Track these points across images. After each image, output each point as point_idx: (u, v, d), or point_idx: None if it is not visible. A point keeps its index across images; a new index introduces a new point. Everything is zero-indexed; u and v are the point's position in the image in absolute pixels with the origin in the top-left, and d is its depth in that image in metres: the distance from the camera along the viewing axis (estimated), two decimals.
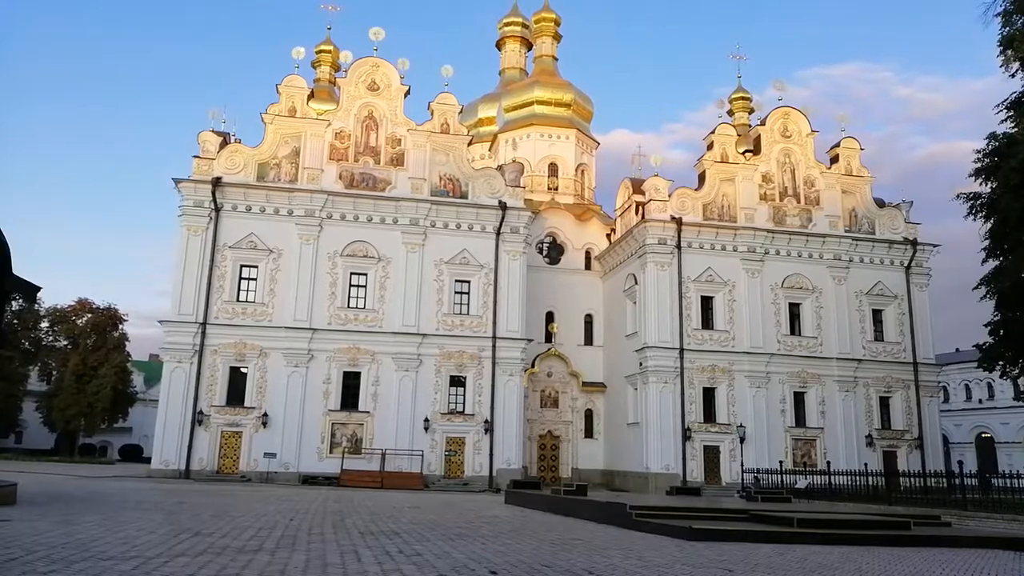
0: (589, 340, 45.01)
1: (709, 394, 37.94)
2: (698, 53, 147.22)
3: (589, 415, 43.66)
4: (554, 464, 42.27)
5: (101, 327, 57.27)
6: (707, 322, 38.77)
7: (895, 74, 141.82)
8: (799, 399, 38.83)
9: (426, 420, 35.30)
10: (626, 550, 10.07)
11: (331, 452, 34.39)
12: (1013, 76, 26.46)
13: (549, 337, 43.61)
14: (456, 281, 37.15)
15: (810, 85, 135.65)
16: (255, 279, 35.73)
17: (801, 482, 31.09)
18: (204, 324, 34.36)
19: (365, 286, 36.48)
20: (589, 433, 43.35)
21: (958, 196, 28.83)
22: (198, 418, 33.65)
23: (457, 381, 36.30)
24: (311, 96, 39.93)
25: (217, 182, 35.54)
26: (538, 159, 50.91)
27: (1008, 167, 25.83)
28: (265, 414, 34.24)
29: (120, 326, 58.95)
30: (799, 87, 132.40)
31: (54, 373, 59.74)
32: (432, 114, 38.99)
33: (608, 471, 41.71)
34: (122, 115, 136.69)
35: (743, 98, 52.19)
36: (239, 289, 35.58)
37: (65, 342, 58.61)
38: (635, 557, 9.31)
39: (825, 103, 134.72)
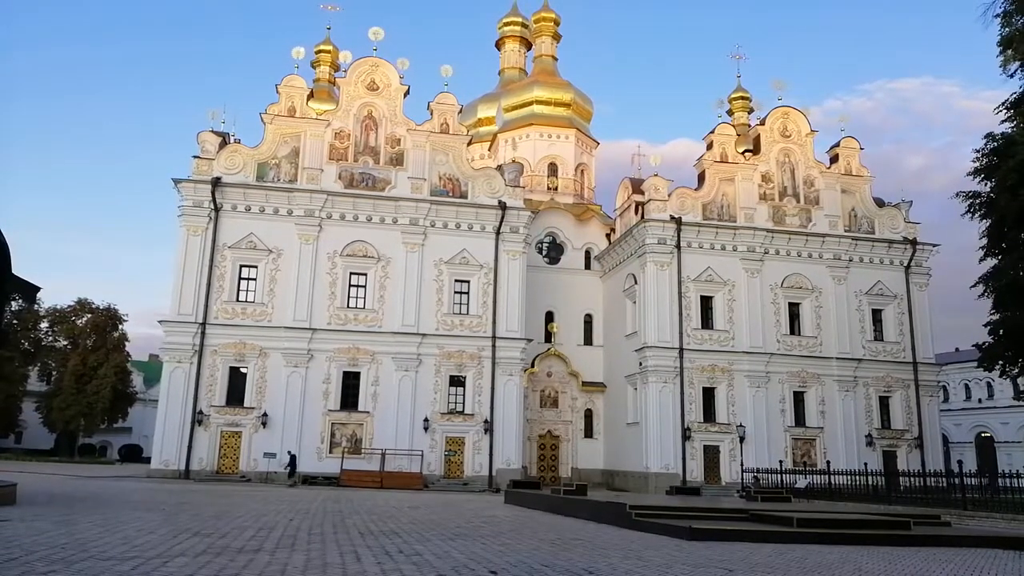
0: (589, 340, 45.00)
1: (709, 394, 37.95)
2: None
3: (589, 415, 43.65)
4: (554, 464, 42.27)
5: (101, 327, 57.30)
6: (707, 322, 38.77)
7: (960, 88, 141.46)
8: (799, 399, 38.84)
9: (426, 420, 35.30)
10: (626, 550, 10.07)
11: (331, 452, 34.39)
12: (1012, 76, 26.52)
13: (549, 337, 43.61)
14: (456, 281, 37.15)
15: (873, 97, 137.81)
16: (255, 279, 35.73)
17: (801, 482, 31.11)
18: (204, 324, 34.36)
19: (365, 286, 36.48)
20: (589, 433, 43.35)
21: (957, 195, 28.90)
22: (198, 418, 33.65)
23: (457, 381, 36.30)
24: (311, 96, 39.95)
25: (217, 182, 35.55)
26: (538, 159, 50.91)
27: (1006, 167, 25.87)
28: (265, 414, 34.24)
29: (120, 326, 59.00)
30: (861, 98, 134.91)
31: (54, 373, 59.71)
32: (432, 114, 38.99)
33: (608, 471, 41.71)
34: (122, 115, 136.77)
35: (743, 98, 52.19)
36: (239, 289, 35.59)
37: (65, 342, 58.62)
38: (635, 557, 9.31)
39: (887, 115, 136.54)
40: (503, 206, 37.54)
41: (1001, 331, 28.28)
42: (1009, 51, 25.62)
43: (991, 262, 28.51)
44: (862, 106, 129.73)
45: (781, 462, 34.15)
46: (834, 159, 42.50)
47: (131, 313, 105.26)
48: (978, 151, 27.75)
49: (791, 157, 41.55)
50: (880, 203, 42.57)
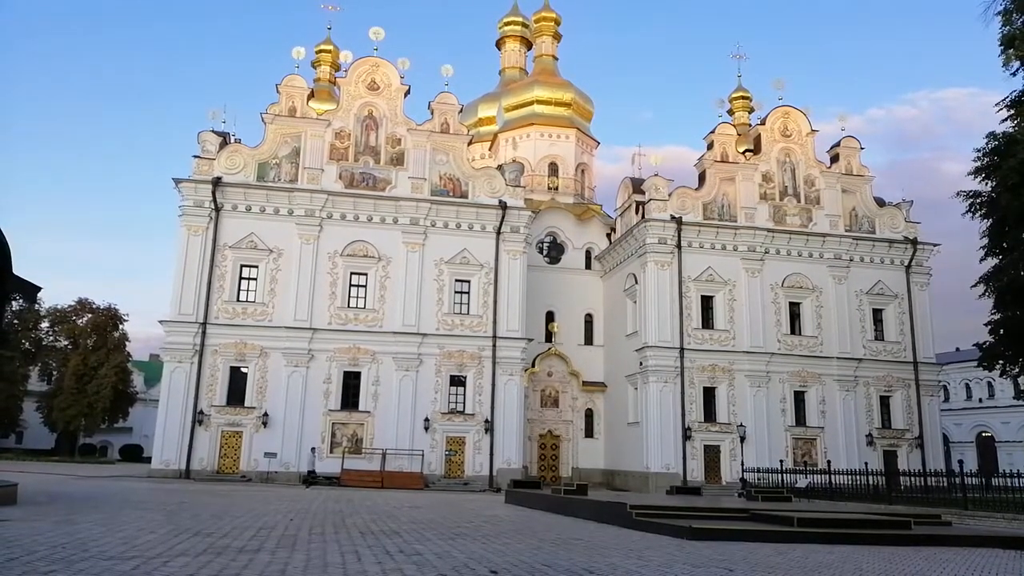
0: (589, 340, 44.99)
1: (709, 393, 37.93)
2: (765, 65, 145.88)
3: (589, 415, 43.64)
4: (554, 464, 42.26)
5: (101, 327, 57.31)
6: (707, 321, 38.75)
7: (1002, 97, 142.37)
8: (799, 398, 38.81)
9: (426, 420, 35.30)
10: (626, 550, 10.06)
11: (332, 452, 34.38)
12: (1014, 75, 26.49)
13: (549, 337, 43.59)
14: (456, 281, 37.14)
15: (917, 106, 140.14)
16: (255, 279, 35.73)
17: (801, 481, 31.11)
18: (204, 324, 34.35)
19: (365, 286, 36.47)
20: (589, 433, 43.33)
21: (958, 194, 28.91)
22: (198, 418, 33.65)
23: (457, 381, 36.28)
24: (311, 96, 39.92)
25: (217, 182, 35.54)
26: (538, 158, 50.90)
27: (1007, 166, 25.87)
28: (265, 414, 34.24)
29: (120, 326, 59.01)
30: (904, 107, 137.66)
31: (54, 373, 59.74)
32: (432, 114, 38.98)
33: (608, 471, 41.70)
34: (122, 114, 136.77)
35: (743, 97, 52.13)
36: (239, 289, 35.58)
37: (65, 342, 58.61)
38: (635, 557, 9.30)
39: (929, 123, 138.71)
40: (503, 206, 37.53)
41: (1002, 330, 28.29)
42: (1010, 50, 25.60)
43: (992, 261, 28.51)
44: (905, 114, 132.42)
45: (782, 462, 34.13)
46: (834, 159, 42.44)
47: (131, 313, 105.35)
48: (979, 150, 27.78)
49: (792, 157, 41.52)
50: (880, 202, 42.55)
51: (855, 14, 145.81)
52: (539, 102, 52.42)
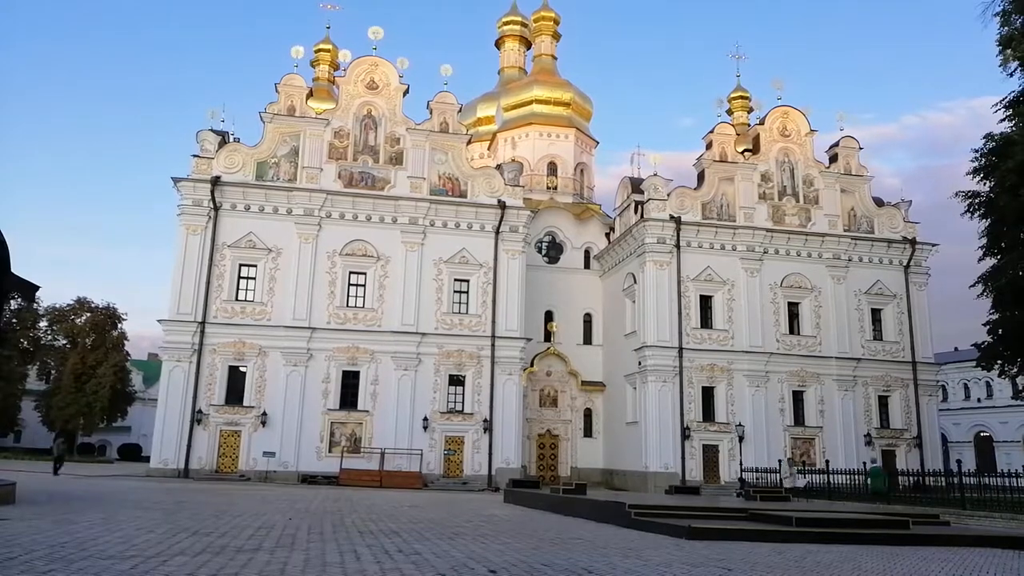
0: (588, 339, 44.99)
1: (708, 393, 37.95)
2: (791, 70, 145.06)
3: (588, 414, 43.65)
4: (553, 463, 42.27)
5: (100, 326, 57.23)
6: (706, 321, 38.77)
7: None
8: (798, 398, 38.85)
9: (425, 419, 35.30)
10: (625, 549, 10.07)
11: (330, 451, 34.38)
12: (1011, 76, 26.51)
13: (548, 336, 43.60)
14: (455, 280, 37.15)
15: (954, 113, 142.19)
16: (254, 278, 35.72)
17: (800, 481, 31.14)
18: (203, 323, 34.35)
19: (364, 285, 36.48)
20: (588, 432, 43.34)
21: (956, 195, 28.94)
22: (197, 417, 33.64)
23: (456, 380, 36.29)
24: (310, 95, 39.93)
25: (216, 181, 35.53)
26: (537, 158, 50.90)
27: (1005, 167, 25.90)
28: (264, 413, 34.23)
29: (119, 325, 58.93)
30: (940, 114, 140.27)
31: (53, 372, 59.71)
32: (431, 113, 38.97)
33: (607, 470, 41.72)
34: (121, 114, 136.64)
35: (742, 97, 52.18)
36: (238, 288, 35.57)
37: (64, 341, 58.54)
38: (634, 556, 9.30)
39: (963, 129, 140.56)
40: (502, 205, 37.53)
41: (1000, 330, 28.32)
42: (1008, 50, 25.62)
43: (991, 261, 28.55)
44: (939, 121, 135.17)
45: (780, 461, 34.18)
46: (833, 159, 42.45)
47: (130, 312, 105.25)
48: (977, 151, 27.80)
49: (791, 156, 41.53)
50: (879, 202, 42.58)
51: (896, 22, 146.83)
52: (538, 102, 52.42)
